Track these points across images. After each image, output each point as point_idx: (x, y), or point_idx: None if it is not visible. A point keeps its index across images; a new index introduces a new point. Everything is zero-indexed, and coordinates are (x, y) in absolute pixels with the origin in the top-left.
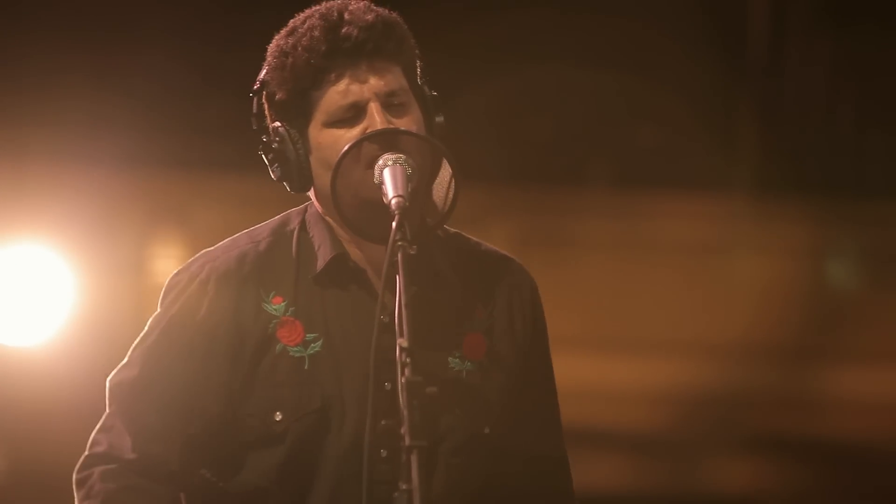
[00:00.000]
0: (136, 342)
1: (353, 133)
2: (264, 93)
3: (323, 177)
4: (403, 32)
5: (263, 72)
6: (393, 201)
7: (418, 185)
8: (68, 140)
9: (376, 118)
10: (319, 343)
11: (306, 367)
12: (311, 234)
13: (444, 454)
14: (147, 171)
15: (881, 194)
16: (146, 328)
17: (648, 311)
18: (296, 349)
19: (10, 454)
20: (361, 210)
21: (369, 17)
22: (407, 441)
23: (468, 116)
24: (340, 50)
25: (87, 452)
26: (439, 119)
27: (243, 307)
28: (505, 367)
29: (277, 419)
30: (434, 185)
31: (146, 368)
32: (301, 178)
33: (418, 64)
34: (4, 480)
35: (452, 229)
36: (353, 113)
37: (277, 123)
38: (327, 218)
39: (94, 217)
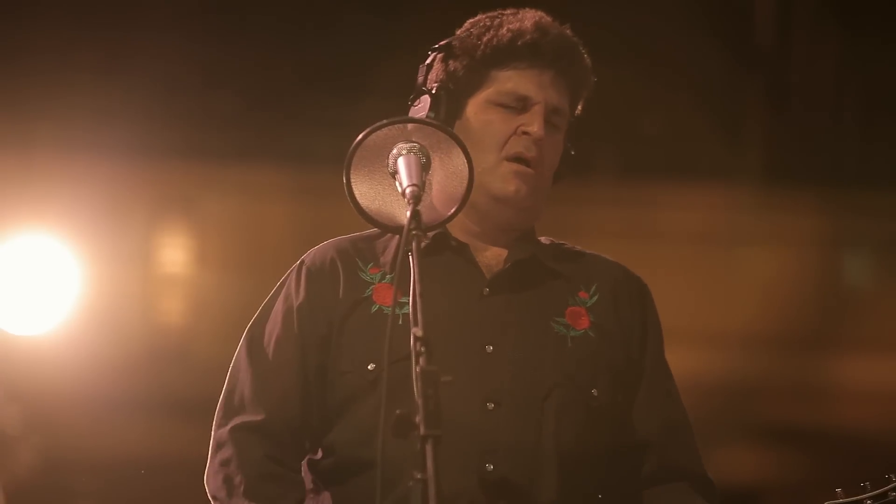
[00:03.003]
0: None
1: (511, 123)
2: (442, 55)
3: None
4: (588, 72)
5: (454, 37)
6: (407, 190)
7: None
8: (74, 131)
9: (535, 120)
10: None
11: (400, 322)
12: None
13: (549, 411)
14: (151, 162)
15: (888, 184)
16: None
17: (655, 299)
18: (389, 308)
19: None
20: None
21: (573, 41)
22: (422, 430)
23: None
24: (542, 50)
25: (223, 408)
26: (572, 152)
27: (340, 275)
28: (612, 341)
29: (370, 369)
30: (448, 175)
31: (269, 336)
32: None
33: (580, 105)
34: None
35: (548, 239)
36: (521, 105)
37: (446, 75)
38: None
39: (100, 207)
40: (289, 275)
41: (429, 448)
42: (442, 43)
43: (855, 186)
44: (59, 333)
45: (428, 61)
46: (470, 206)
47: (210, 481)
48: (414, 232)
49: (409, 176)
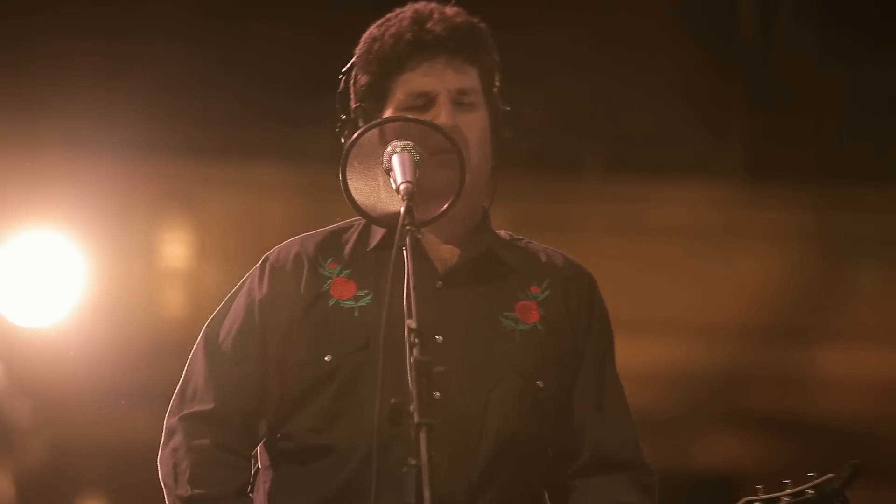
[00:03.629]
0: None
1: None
2: (351, 75)
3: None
4: (486, 40)
5: (354, 57)
6: (402, 187)
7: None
8: (79, 132)
9: (441, 111)
10: (369, 297)
11: (356, 315)
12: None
13: (494, 402)
14: (154, 160)
15: (867, 181)
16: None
17: (641, 293)
18: (347, 302)
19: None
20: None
21: (458, 19)
22: (416, 419)
23: None
24: (423, 42)
25: (176, 399)
26: (507, 134)
27: (304, 270)
28: (560, 335)
29: (327, 360)
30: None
31: (227, 331)
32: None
33: (497, 76)
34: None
35: (506, 233)
36: (424, 101)
37: (358, 104)
38: None
39: (105, 204)
40: (252, 272)
41: (422, 436)
42: (346, 67)
43: (835, 183)
44: (66, 326)
45: (340, 88)
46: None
47: (161, 468)
48: (408, 227)
49: (404, 173)
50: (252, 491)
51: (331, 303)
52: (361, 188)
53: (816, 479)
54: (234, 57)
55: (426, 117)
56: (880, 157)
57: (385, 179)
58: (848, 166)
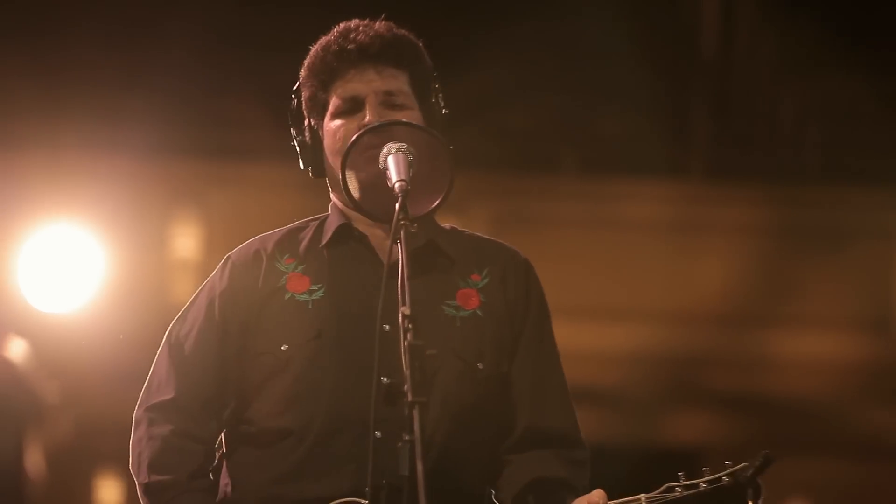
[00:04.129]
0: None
1: (352, 125)
2: (298, 95)
3: (331, 161)
4: (412, 46)
5: (300, 79)
6: (396, 185)
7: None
8: (98, 135)
9: (368, 112)
10: (322, 291)
11: (310, 307)
12: (327, 221)
13: (437, 384)
14: (166, 161)
15: (817, 180)
16: (194, 297)
17: (612, 282)
18: (302, 296)
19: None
20: (364, 192)
21: (381, 29)
22: (409, 397)
23: (450, 111)
24: (348, 51)
25: (143, 393)
26: (442, 137)
27: (262, 266)
28: (499, 319)
29: (283, 349)
30: (431, 172)
31: (189, 327)
32: (317, 164)
33: (433, 82)
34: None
35: (450, 225)
36: (352, 105)
37: (306, 119)
38: (338, 203)
39: (121, 200)
40: (214, 272)
41: (415, 413)
42: (295, 87)
43: (788, 182)
44: (86, 311)
45: (292, 106)
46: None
47: (130, 457)
48: (402, 222)
49: (398, 172)
50: (216, 475)
51: (286, 297)
52: (359, 186)
53: (732, 467)
54: (241, 65)
55: (356, 119)
56: (828, 158)
57: (381, 178)
58: (799, 167)
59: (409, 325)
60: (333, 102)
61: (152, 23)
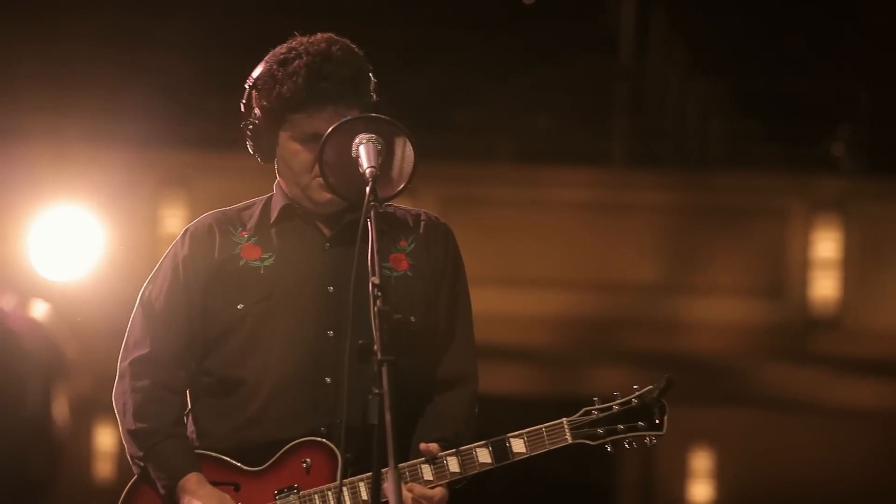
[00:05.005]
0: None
1: (310, 155)
2: (254, 91)
3: (281, 164)
4: (367, 85)
5: (257, 74)
6: (367, 171)
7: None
8: (97, 127)
9: None
10: (272, 258)
11: (262, 272)
12: (272, 200)
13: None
14: (157, 150)
15: (720, 167)
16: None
17: (543, 255)
18: (254, 262)
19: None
20: (335, 176)
21: (344, 70)
22: (378, 356)
23: (403, 105)
24: (315, 94)
25: (123, 349)
26: (409, 131)
27: (216, 237)
28: (425, 278)
29: (239, 308)
30: (397, 160)
31: (158, 290)
32: (267, 156)
33: (377, 101)
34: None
35: (391, 204)
36: (313, 138)
37: (258, 112)
38: (283, 184)
39: (118, 185)
40: (174, 243)
41: (384, 370)
42: (250, 82)
43: (695, 168)
44: (88, 279)
45: (244, 99)
46: (304, 203)
47: (114, 405)
48: (372, 203)
49: (369, 159)
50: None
51: (241, 263)
52: (334, 171)
53: (639, 390)
54: (219, 69)
55: (314, 152)
56: (729, 148)
57: (353, 164)
58: (704, 156)
59: (379, 293)
60: (295, 128)
61: (146, 29)
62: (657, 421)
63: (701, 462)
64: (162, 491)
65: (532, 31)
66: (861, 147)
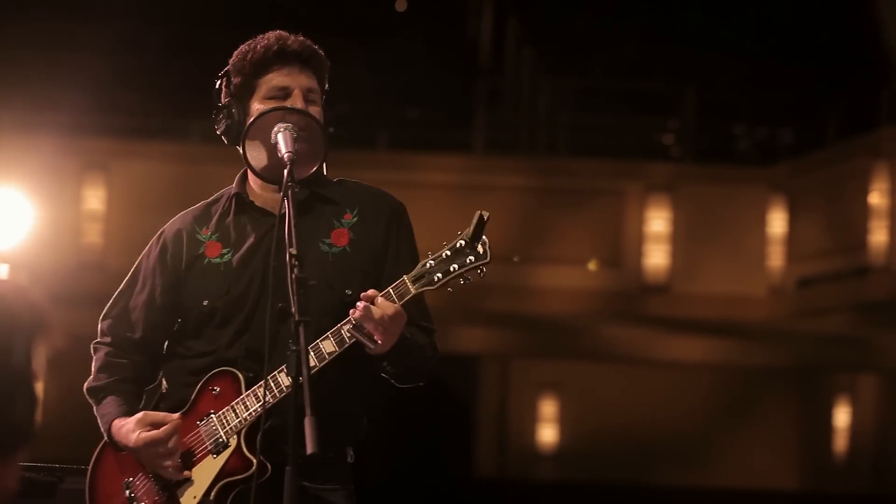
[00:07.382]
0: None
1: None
2: (225, 79)
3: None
4: (325, 60)
5: (228, 67)
6: (285, 155)
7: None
8: (27, 117)
9: (296, 100)
10: (230, 254)
11: (221, 269)
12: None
13: (314, 313)
14: (80, 138)
15: (566, 154)
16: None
17: (415, 231)
18: (216, 259)
19: None
20: (263, 160)
21: (307, 43)
22: (296, 317)
23: None
24: (286, 52)
25: (105, 311)
26: (330, 129)
27: (183, 240)
28: (364, 251)
29: (205, 304)
30: (310, 145)
31: (140, 285)
32: (236, 134)
33: (327, 87)
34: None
35: (339, 179)
36: (283, 94)
37: (232, 89)
38: (250, 171)
39: (46, 168)
40: (151, 242)
41: (301, 329)
42: (222, 71)
43: (544, 155)
44: (19, 249)
45: (217, 86)
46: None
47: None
48: (290, 184)
49: (286, 145)
50: (156, 388)
51: (205, 261)
52: (256, 156)
53: (461, 234)
54: (136, 67)
55: (285, 103)
56: (574, 137)
57: (272, 150)
58: (552, 143)
59: (296, 262)
60: (265, 88)
61: (70, 32)
62: (481, 251)
63: (549, 409)
64: (105, 438)
65: (404, 35)
66: (688, 137)
